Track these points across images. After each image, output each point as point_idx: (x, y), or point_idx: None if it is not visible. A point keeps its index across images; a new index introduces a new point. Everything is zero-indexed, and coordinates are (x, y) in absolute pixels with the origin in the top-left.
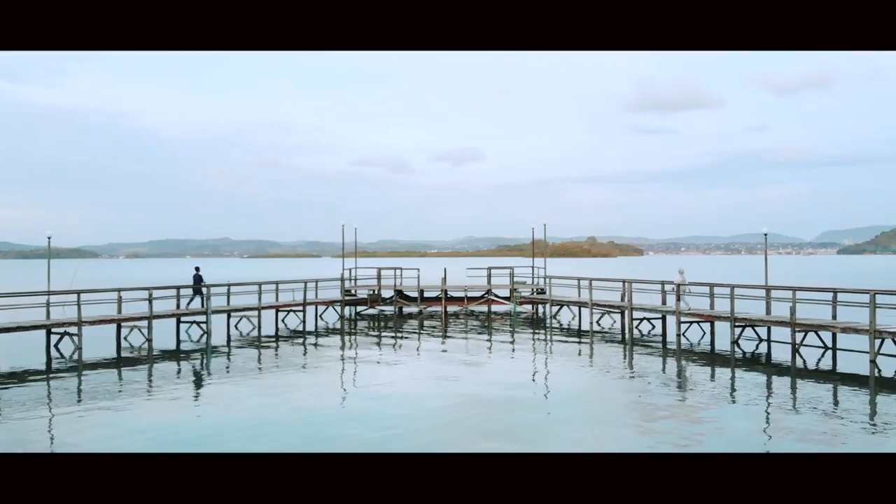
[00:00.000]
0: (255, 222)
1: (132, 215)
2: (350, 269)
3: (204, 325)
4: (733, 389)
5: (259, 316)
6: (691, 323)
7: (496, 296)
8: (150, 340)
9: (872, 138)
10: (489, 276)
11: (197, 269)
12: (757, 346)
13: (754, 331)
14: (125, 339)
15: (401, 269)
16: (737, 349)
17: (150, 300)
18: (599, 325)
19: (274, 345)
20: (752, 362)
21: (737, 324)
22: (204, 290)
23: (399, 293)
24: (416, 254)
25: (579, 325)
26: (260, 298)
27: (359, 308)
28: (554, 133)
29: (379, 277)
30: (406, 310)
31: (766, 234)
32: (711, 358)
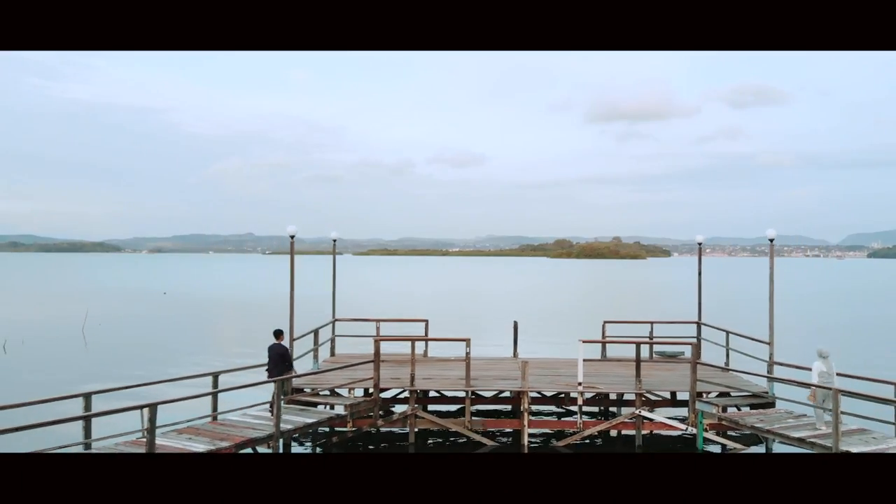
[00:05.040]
0: (278, 218)
1: (157, 210)
2: (318, 330)
3: None
4: None
5: None
6: None
7: (648, 403)
8: None
9: (895, 141)
10: (637, 356)
11: (278, 335)
12: None
13: None
14: None
15: (423, 338)
16: None
17: None
18: None
19: None
20: None
21: None
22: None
23: (419, 397)
24: (437, 252)
25: None
26: None
27: (332, 427)
28: (574, 132)
29: (377, 359)
30: (434, 431)
31: None
32: None
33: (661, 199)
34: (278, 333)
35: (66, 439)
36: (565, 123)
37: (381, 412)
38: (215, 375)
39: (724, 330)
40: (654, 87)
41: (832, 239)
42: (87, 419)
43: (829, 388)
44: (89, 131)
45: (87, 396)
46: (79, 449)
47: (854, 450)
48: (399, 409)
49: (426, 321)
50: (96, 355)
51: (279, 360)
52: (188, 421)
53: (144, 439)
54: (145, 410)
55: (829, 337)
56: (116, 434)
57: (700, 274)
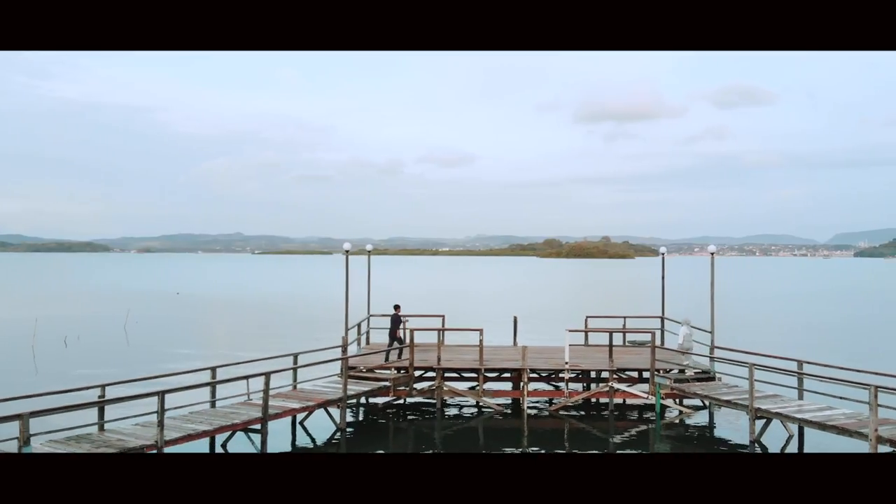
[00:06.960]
0: (268, 218)
1: (145, 209)
2: (360, 323)
3: None
4: None
5: None
6: None
7: (621, 375)
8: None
9: (880, 141)
10: (610, 342)
11: (397, 307)
12: None
13: None
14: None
15: (442, 329)
16: None
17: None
18: None
19: None
20: None
21: None
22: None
23: (442, 373)
24: (427, 252)
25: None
26: (161, 418)
27: (374, 398)
28: (563, 132)
29: (412, 344)
30: (453, 401)
31: None
32: None
33: (649, 198)
34: (397, 307)
35: (195, 399)
36: (554, 123)
37: (414, 384)
38: (295, 356)
39: (680, 322)
40: (641, 88)
41: (819, 238)
42: (212, 385)
43: (685, 353)
44: (78, 130)
45: (213, 370)
46: (205, 407)
47: (764, 407)
48: (427, 383)
49: (443, 316)
50: (147, 348)
51: (395, 326)
52: (276, 388)
53: (255, 401)
54: (257, 379)
55: (818, 333)
56: (231, 396)
57: (663, 278)
